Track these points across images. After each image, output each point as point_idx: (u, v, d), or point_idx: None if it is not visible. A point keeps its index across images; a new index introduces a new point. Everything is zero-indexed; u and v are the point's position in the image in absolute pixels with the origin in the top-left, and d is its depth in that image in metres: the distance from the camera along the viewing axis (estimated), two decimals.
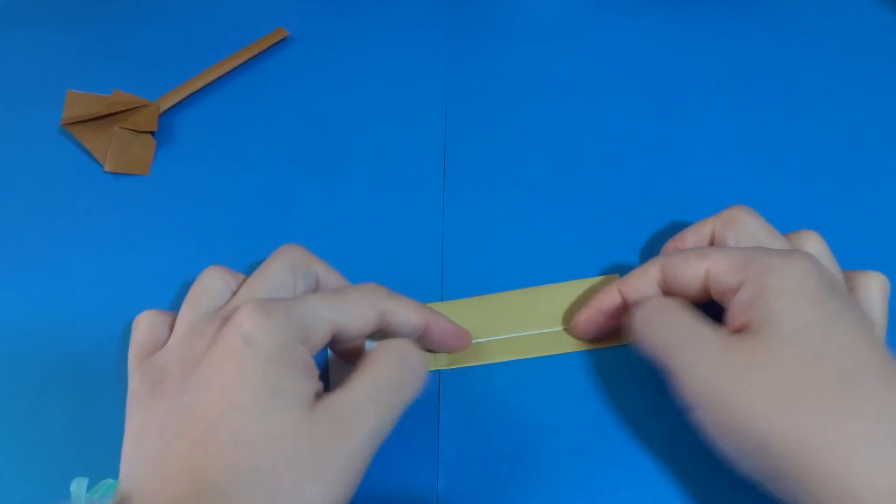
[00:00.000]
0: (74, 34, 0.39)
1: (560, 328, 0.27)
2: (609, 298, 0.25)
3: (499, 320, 0.27)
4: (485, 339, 0.27)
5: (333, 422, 0.19)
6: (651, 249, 0.29)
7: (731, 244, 0.24)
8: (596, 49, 0.38)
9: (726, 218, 0.25)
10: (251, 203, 0.32)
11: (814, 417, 0.18)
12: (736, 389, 0.20)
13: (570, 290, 0.28)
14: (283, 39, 0.39)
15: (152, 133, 0.34)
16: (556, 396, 0.26)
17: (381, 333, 0.24)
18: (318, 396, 0.20)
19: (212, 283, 0.24)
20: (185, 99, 0.36)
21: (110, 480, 0.19)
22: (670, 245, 0.27)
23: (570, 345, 0.27)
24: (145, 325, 0.24)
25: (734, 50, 0.37)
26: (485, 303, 0.28)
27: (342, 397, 0.20)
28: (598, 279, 0.28)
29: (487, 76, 0.37)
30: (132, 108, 0.34)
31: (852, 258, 0.29)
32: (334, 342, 0.22)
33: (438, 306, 0.28)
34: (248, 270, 0.26)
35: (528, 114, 0.35)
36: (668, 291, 0.24)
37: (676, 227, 0.30)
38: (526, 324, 0.27)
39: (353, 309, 0.22)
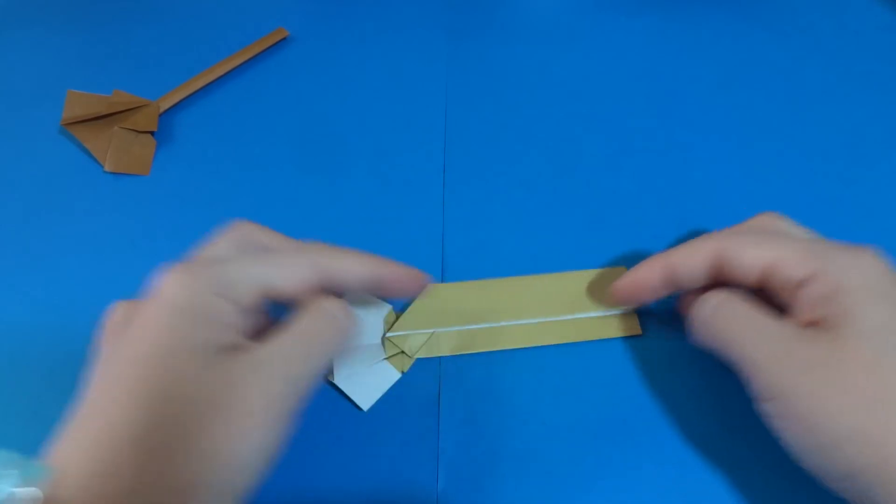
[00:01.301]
0: (74, 34, 0.39)
1: (562, 317, 0.27)
2: (654, 269, 0.24)
3: (501, 306, 0.27)
4: (487, 325, 0.27)
5: (248, 370, 0.20)
6: (650, 247, 0.29)
7: None
8: (596, 49, 0.38)
9: (761, 226, 0.24)
10: (251, 203, 0.32)
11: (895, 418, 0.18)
12: (811, 384, 0.19)
13: (575, 280, 0.28)
14: (283, 39, 0.39)
15: (152, 133, 0.34)
16: (557, 395, 0.26)
17: (332, 291, 0.23)
18: (241, 350, 0.20)
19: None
20: (185, 99, 0.36)
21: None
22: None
23: (572, 335, 0.27)
24: (114, 312, 0.24)
25: (734, 50, 0.37)
26: (487, 288, 0.28)
27: (260, 348, 0.20)
28: (603, 270, 0.28)
29: (487, 76, 0.37)
30: (132, 108, 0.34)
31: None
32: (277, 299, 0.22)
33: (439, 287, 0.28)
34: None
35: (528, 114, 0.35)
36: (717, 274, 0.23)
37: (677, 226, 0.30)
38: (529, 311, 0.27)
39: (285, 265, 0.22)
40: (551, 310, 0.27)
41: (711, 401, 0.25)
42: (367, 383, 0.25)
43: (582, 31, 0.39)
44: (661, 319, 0.27)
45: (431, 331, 0.27)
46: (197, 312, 0.20)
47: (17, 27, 0.40)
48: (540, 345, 0.27)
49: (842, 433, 0.19)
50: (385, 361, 0.26)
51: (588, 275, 0.28)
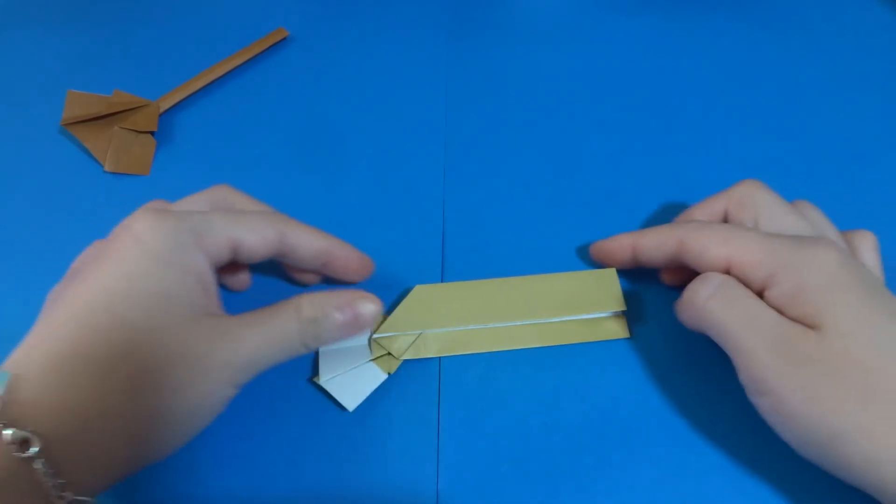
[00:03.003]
0: (74, 34, 0.39)
1: (551, 319, 0.27)
2: (623, 248, 0.26)
3: (489, 308, 0.27)
4: (474, 327, 0.27)
5: (217, 335, 0.21)
6: None
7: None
8: (595, 49, 0.38)
9: (739, 198, 0.25)
10: None
11: (885, 416, 0.19)
12: (805, 379, 0.20)
13: (564, 281, 0.28)
14: (283, 39, 0.39)
15: (152, 133, 0.34)
16: (556, 395, 0.26)
17: (286, 258, 0.25)
18: (209, 309, 0.21)
19: None
20: (185, 99, 0.36)
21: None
22: (682, 218, 0.27)
23: (559, 338, 0.27)
24: (91, 247, 0.25)
25: (734, 50, 0.37)
26: (475, 289, 0.28)
27: (232, 320, 0.22)
28: (593, 271, 0.28)
29: (487, 76, 0.37)
30: (132, 108, 0.34)
31: None
32: (238, 257, 0.23)
33: (426, 288, 0.28)
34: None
35: (528, 114, 0.35)
36: (683, 265, 0.24)
37: None
38: (517, 313, 0.27)
39: (250, 224, 0.23)
40: (540, 312, 0.27)
41: (705, 398, 0.25)
42: (353, 384, 0.25)
43: (582, 31, 0.39)
44: (656, 321, 0.27)
45: (418, 332, 0.27)
46: (177, 265, 0.21)
47: (17, 27, 0.40)
48: (527, 347, 0.27)
49: (836, 430, 0.19)
50: (371, 363, 0.26)
51: (578, 276, 0.28)
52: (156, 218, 0.21)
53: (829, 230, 0.24)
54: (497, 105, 0.35)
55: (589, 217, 0.31)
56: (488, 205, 0.31)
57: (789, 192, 0.31)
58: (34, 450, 0.18)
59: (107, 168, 0.33)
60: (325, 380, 0.25)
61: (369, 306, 0.23)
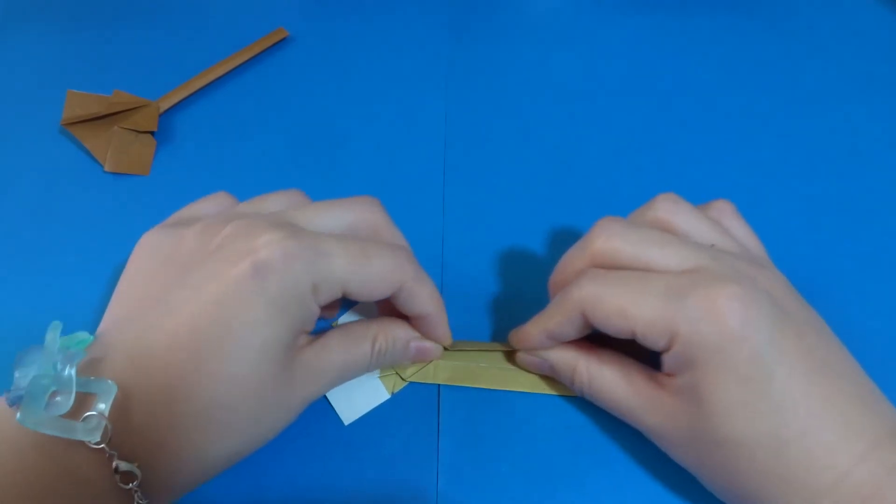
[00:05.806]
0: (74, 34, 0.39)
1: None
2: (539, 341, 0.24)
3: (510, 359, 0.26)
4: (485, 364, 0.26)
5: (301, 375, 0.21)
6: None
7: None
8: (595, 48, 0.38)
9: (654, 220, 0.24)
10: None
11: (749, 497, 0.20)
12: (689, 453, 0.22)
13: None
14: (283, 39, 0.39)
15: (152, 133, 0.34)
16: (556, 396, 0.26)
17: (392, 300, 0.24)
18: (303, 340, 0.22)
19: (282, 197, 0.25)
20: (185, 99, 0.36)
21: (85, 334, 0.20)
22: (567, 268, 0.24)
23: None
24: (207, 202, 0.26)
25: (734, 50, 0.37)
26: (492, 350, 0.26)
27: (317, 358, 0.22)
28: None
29: (487, 76, 0.37)
30: (132, 108, 0.34)
31: (853, 258, 0.29)
32: (348, 297, 0.22)
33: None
34: None
35: (529, 113, 0.35)
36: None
37: None
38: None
39: (372, 276, 0.21)
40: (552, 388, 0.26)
41: None
42: (355, 399, 0.25)
43: (582, 31, 0.39)
44: None
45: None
46: (286, 311, 0.20)
47: (17, 27, 0.40)
48: (539, 392, 0.26)
49: (717, 492, 0.22)
50: (377, 379, 0.26)
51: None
52: (283, 256, 0.20)
53: (747, 239, 0.24)
54: (497, 105, 0.35)
55: (589, 217, 0.31)
56: (488, 204, 0.31)
57: (790, 192, 0.31)
58: (135, 484, 0.18)
59: (107, 168, 0.33)
60: None
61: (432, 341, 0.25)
